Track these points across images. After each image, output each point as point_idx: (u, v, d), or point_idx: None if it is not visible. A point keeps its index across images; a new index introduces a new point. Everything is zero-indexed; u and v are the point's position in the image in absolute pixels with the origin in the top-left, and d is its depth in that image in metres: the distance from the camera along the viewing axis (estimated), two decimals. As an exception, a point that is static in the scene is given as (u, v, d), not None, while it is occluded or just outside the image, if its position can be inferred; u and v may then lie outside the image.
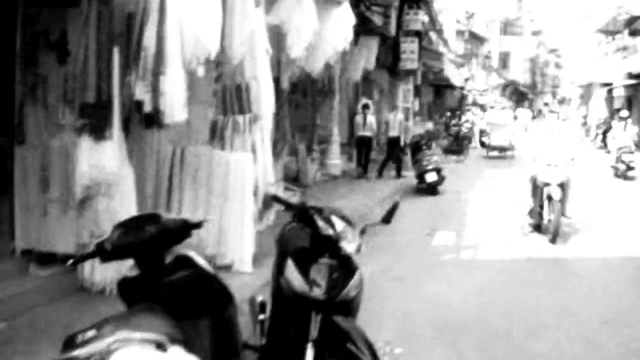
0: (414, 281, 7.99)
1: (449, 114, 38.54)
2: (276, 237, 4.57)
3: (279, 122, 11.03)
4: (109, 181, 6.28)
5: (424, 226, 11.51)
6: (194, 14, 6.09)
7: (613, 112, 39.91)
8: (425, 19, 23.31)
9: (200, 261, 3.77)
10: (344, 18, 10.17)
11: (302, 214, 4.02)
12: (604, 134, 32.83)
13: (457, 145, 27.14)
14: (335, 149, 16.76)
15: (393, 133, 18.34)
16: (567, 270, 8.72)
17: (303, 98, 16.84)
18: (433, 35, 29.13)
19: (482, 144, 32.84)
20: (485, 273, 8.32)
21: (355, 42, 18.57)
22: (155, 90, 5.82)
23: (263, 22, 7.52)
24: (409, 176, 17.19)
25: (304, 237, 4.03)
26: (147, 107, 5.87)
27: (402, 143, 18.09)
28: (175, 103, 5.86)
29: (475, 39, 59.53)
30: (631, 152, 19.59)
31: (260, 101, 7.45)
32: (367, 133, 17.84)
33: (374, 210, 12.93)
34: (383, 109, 23.76)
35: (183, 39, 5.98)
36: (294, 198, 13.33)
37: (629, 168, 19.28)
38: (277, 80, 10.61)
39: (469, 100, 50.37)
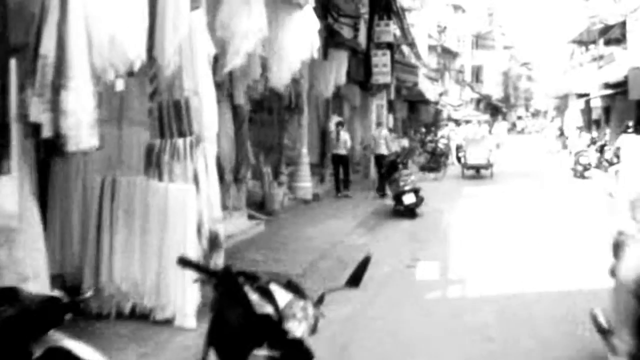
0: (395, 328, 6.73)
1: (424, 129, 37.52)
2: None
3: (239, 143, 9.73)
4: (9, 226, 5.00)
5: (403, 256, 10.27)
6: (107, 11, 4.82)
7: (591, 123, 39.23)
8: (397, 31, 22.25)
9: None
10: (307, 23, 8.93)
11: (227, 284, 2.76)
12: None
13: (434, 162, 26.01)
14: (304, 170, 15.51)
15: (380, 150, 17.75)
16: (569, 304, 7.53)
17: (268, 116, 15.60)
18: (405, 48, 28.11)
19: (459, 160, 31.85)
20: (477, 315, 7.07)
21: (325, 55, 17.45)
22: (56, 110, 4.53)
23: (204, 25, 6.27)
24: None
25: (233, 316, 2.77)
26: (47, 131, 4.57)
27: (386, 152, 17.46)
28: (82, 125, 4.57)
29: (448, 53, 58.85)
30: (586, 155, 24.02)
31: (202, 120, 6.17)
32: (342, 151, 17.23)
33: (351, 235, 11.74)
34: (356, 126, 22.60)
35: (92, 42, 4.70)
36: (259, 227, 12.06)
37: (585, 168, 23.38)
38: (231, 96, 9.36)
39: (444, 115, 49.54)
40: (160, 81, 6.29)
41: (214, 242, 6.30)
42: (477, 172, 23.96)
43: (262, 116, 15.20)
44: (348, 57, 19.09)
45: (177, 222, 6.16)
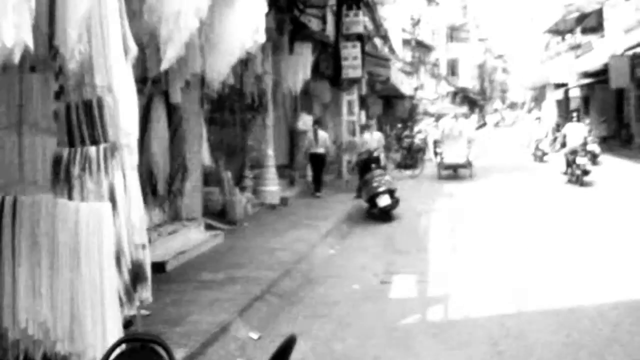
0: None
1: (400, 125, 36.46)
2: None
3: (176, 148, 8.47)
4: None
5: (377, 268, 9.14)
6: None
7: (569, 113, 38.43)
8: (367, 21, 21.14)
9: None
10: (251, 4, 7.62)
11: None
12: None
13: (411, 158, 24.96)
14: (271, 173, 14.33)
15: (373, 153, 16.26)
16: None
17: (230, 116, 14.41)
18: (378, 41, 27.01)
19: (437, 155, 30.84)
20: (465, 349, 5.95)
21: (291, 50, 16.31)
22: None
23: (119, 6, 5.06)
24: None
25: None
26: None
27: (382, 163, 16.03)
28: None
29: (422, 47, 57.86)
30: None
31: (118, 124, 4.98)
32: (320, 150, 16.73)
33: (320, 245, 10.60)
34: (327, 124, 21.44)
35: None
36: (216, 239, 10.87)
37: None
38: (165, 93, 8.14)
39: (420, 109, 48.56)
40: (68, 77, 5.09)
41: (137, 274, 5.11)
42: (454, 172, 21.39)
43: (223, 116, 14.03)
44: (317, 52, 17.98)
45: (91, 249, 4.97)
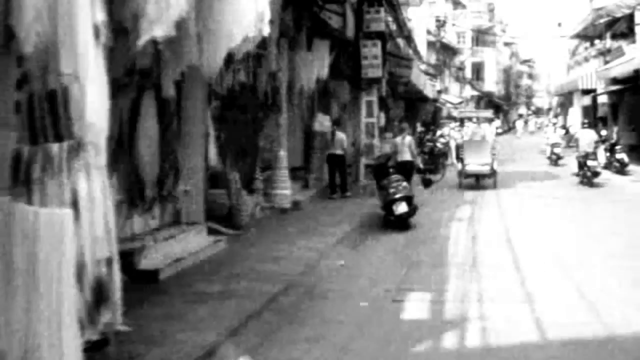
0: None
1: (422, 128, 35.59)
2: None
3: (166, 147, 7.69)
4: None
5: (388, 282, 8.38)
6: None
7: (597, 121, 37.30)
8: (390, 21, 20.36)
9: None
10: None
11: None
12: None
13: (432, 163, 24.11)
14: (282, 175, 13.60)
15: (404, 157, 15.52)
16: None
17: (242, 114, 13.69)
18: (401, 42, 26.20)
19: (460, 160, 29.99)
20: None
21: (309, 47, 15.61)
22: None
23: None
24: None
25: None
26: None
27: (420, 165, 16.48)
28: None
29: (447, 50, 56.95)
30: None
31: (85, 118, 4.28)
32: (338, 151, 16.53)
33: (329, 255, 9.88)
34: (345, 125, 20.68)
35: None
36: (218, 246, 10.18)
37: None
38: (158, 86, 7.42)
39: (444, 113, 47.64)
40: (31, 63, 4.41)
41: (100, 293, 4.41)
42: (476, 181, 19.84)
43: (234, 114, 13.32)
44: (336, 50, 17.25)
45: (50, 263, 4.28)
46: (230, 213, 11.47)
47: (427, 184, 15.98)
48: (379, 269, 9.24)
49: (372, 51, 16.39)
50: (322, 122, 16.70)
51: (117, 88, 6.54)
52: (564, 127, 45.88)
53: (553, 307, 7.12)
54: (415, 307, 7.28)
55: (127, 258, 7.74)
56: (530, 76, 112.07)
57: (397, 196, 12.42)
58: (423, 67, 33.96)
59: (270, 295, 7.38)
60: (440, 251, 10.53)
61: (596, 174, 20.13)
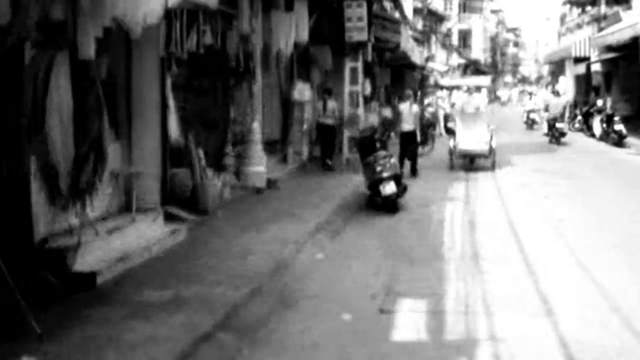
0: None
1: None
2: None
3: (86, 123, 6.08)
4: None
5: (375, 285, 6.99)
6: None
7: (590, 90, 35.97)
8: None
9: None
10: None
11: None
12: (586, 115, 28.74)
13: (421, 134, 22.63)
14: (256, 151, 12.14)
15: (407, 127, 15.47)
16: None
17: (209, 82, 12.19)
18: (388, 4, 24.56)
19: (448, 131, 28.60)
20: None
21: (287, 7, 14.06)
22: None
23: None
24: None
25: None
26: None
27: (418, 138, 16.03)
28: None
29: (434, 16, 55.18)
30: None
31: None
32: (328, 120, 15.89)
33: (306, 246, 8.48)
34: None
35: None
36: (177, 236, 8.73)
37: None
38: (73, 45, 5.79)
39: (431, 81, 46.14)
40: None
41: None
42: (470, 162, 16.95)
43: (201, 83, 11.82)
44: (318, 11, 15.70)
45: None
46: (195, 195, 10.01)
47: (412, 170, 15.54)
48: (364, 265, 7.85)
49: (356, 12, 14.83)
50: (302, 91, 15.21)
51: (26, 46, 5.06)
52: (554, 93, 44.61)
53: (575, 318, 5.77)
54: (408, 320, 5.88)
55: (59, 258, 6.33)
56: (516, 44, 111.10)
57: (385, 175, 11.01)
58: (410, 32, 32.28)
59: (230, 306, 5.98)
60: (434, 240, 9.15)
61: (563, 134, 23.99)
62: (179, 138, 9.85)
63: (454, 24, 65.37)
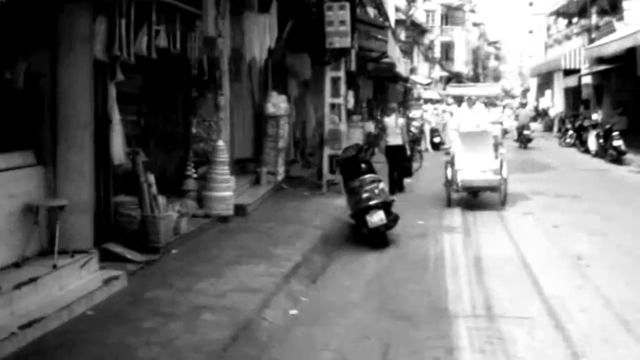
0: None
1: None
2: None
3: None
4: None
5: (362, 354, 5.30)
6: None
7: (579, 103, 34.66)
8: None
9: None
10: None
11: None
12: (579, 129, 27.32)
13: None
14: (222, 173, 10.37)
15: (393, 141, 14.73)
16: None
17: (167, 92, 10.49)
18: (371, 11, 22.99)
19: (434, 146, 27.06)
20: None
21: (261, 8, 12.43)
22: None
23: None
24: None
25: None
26: None
27: (408, 152, 15.39)
28: None
29: (417, 28, 53.82)
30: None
31: None
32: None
33: (274, 300, 6.76)
34: (307, 107, 17.55)
35: None
36: (112, 287, 6.92)
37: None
38: None
39: (414, 94, 44.73)
40: None
41: None
42: (474, 197, 13.21)
43: (157, 93, 10.11)
44: (295, 15, 14.08)
45: None
46: (144, 229, 8.26)
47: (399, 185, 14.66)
48: (349, 325, 6.13)
49: (338, 15, 13.14)
50: (277, 104, 13.52)
51: None
52: (536, 109, 43.40)
53: None
54: None
55: None
56: (497, 57, 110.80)
57: (372, 203, 9.33)
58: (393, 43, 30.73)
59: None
60: (435, 286, 7.46)
61: (529, 140, 28.19)
62: (125, 160, 8.13)
63: (436, 36, 64.21)
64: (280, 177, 13.74)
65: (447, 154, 13.50)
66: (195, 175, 10.50)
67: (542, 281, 7.54)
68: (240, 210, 10.83)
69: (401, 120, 15.53)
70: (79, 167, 6.84)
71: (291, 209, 11.80)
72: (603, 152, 22.56)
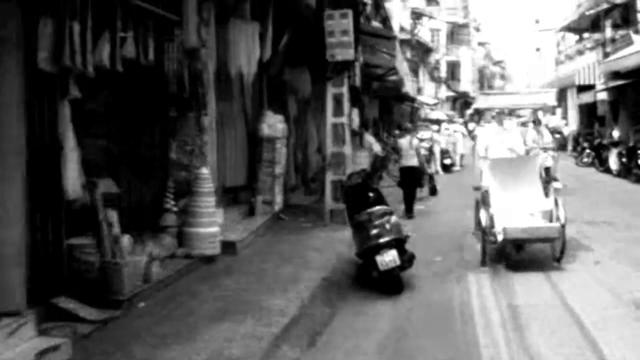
0: None
1: (397, 132, 30.91)
2: None
3: None
4: None
5: None
6: None
7: (593, 120, 33.14)
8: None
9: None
10: None
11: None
12: (598, 148, 25.78)
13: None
14: (205, 205, 8.86)
15: (408, 163, 14.18)
16: None
17: (142, 111, 8.99)
18: (377, 24, 21.58)
19: (445, 168, 25.59)
20: None
21: (254, 15, 11.02)
22: None
23: None
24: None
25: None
26: None
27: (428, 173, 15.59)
28: None
29: (422, 47, 52.51)
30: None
31: None
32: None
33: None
34: (308, 126, 16.07)
35: None
36: (56, 356, 5.31)
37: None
38: None
39: (422, 115, 43.29)
40: None
41: None
42: (517, 250, 9.61)
43: (128, 112, 8.61)
44: (293, 27, 12.67)
45: None
46: (104, 278, 6.73)
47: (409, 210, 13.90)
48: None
49: (340, 24, 11.65)
50: (274, 124, 11.99)
51: None
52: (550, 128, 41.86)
53: None
54: None
55: None
56: (503, 77, 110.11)
57: (382, 241, 7.76)
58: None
59: None
60: (466, 349, 5.90)
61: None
62: (81, 193, 6.63)
63: (442, 56, 62.94)
64: (277, 207, 12.19)
65: (476, 188, 10.37)
66: (175, 209, 8.97)
67: (598, 338, 5.98)
68: (228, 247, 9.28)
69: (415, 141, 14.75)
70: (7, 204, 5.32)
71: (289, 244, 10.25)
72: (626, 172, 21.08)
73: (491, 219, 9.16)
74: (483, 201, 9.58)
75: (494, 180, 9.81)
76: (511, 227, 8.85)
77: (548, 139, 17.05)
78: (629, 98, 28.68)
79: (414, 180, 14.17)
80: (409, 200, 14.04)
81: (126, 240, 6.95)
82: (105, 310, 6.40)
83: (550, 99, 45.27)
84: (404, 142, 14.53)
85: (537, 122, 18.76)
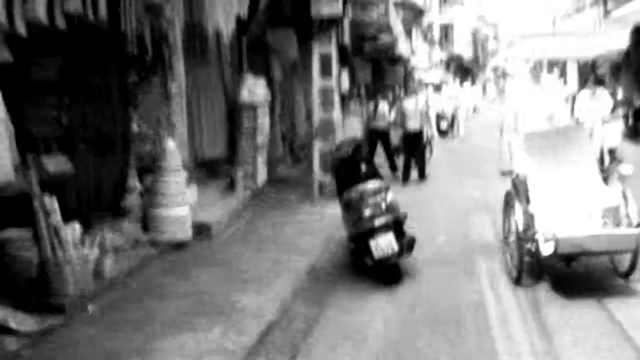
0: None
1: (391, 97, 29.58)
2: None
3: None
4: None
5: None
6: None
7: (594, 81, 31.87)
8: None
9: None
10: None
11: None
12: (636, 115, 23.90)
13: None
14: (174, 183, 7.71)
15: (413, 126, 13.66)
16: None
17: (102, 80, 7.81)
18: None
19: (441, 133, 24.50)
20: None
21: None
22: None
23: None
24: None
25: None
26: None
27: (425, 138, 14.05)
28: None
29: (414, 9, 50.95)
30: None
31: None
32: (380, 123, 14.44)
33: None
34: (295, 91, 14.88)
35: None
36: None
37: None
38: None
39: (415, 77, 41.95)
40: None
41: None
42: (567, 264, 6.62)
43: (81, 79, 7.41)
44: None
45: None
46: (44, 277, 5.60)
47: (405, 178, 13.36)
48: None
49: (325, -25, 10.43)
50: (254, 89, 10.78)
51: None
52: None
53: None
54: None
55: None
56: (496, 38, 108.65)
57: (378, 223, 6.62)
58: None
59: None
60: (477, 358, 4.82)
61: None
62: (14, 176, 5.47)
63: (434, 19, 61.43)
64: (260, 180, 11.04)
65: (504, 173, 7.46)
66: (139, 188, 7.83)
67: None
68: (202, 231, 8.16)
69: (421, 104, 14.28)
70: None
71: (272, 225, 9.13)
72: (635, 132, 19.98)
73: (531, 220, 6.46)
74: (517, 194, 6.80)
75: (533, 163, 6.88)
76: (567, 237, 6.03)
77: (608, 105, 12.27)
78: (633, 58, 27.50)
79: (415, 145, 13.61)
80: (408, 167, 13.52)
81: (71, 230, 5.79)
82: (44, 318, 5.30)
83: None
84: (409, 104, 13.97)
85: (594, 82, 14.35)
